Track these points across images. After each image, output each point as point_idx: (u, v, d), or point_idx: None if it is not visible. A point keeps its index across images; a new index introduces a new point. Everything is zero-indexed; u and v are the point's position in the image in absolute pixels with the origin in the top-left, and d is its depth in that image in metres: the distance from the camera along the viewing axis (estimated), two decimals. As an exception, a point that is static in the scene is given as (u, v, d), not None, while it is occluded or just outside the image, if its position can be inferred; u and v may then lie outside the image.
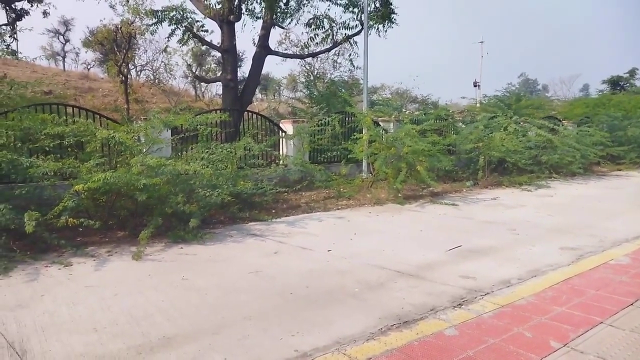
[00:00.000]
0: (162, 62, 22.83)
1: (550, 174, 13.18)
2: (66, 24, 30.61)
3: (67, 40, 31.37)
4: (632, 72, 33.52)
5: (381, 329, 3.55)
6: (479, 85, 35.71)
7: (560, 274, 4.85)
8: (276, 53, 15.82)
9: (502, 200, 9.83)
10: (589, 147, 14.22)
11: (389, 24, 14.81)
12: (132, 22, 17.06)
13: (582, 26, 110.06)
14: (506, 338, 3.33)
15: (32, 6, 15.19)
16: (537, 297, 4.16)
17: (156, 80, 23.14)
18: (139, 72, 23.85)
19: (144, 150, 7.27)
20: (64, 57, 31.49)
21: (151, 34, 15.73)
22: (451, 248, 5.88)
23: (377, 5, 14.53)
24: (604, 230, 6.75)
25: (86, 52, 22.77)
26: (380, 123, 12.41)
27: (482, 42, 39.59)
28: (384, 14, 14.50)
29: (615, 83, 33.30)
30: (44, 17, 15.64)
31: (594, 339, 3.30)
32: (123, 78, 18.48)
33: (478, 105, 20.48)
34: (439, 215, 8.24)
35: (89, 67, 27.83)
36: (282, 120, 12.46)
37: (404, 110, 17.95)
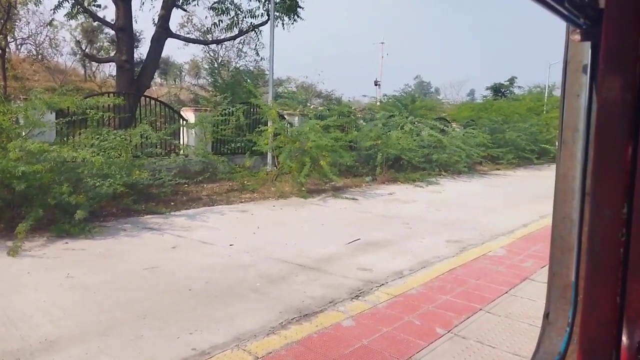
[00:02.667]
0: (46, 36, 20.70)
1: (439, 171, 14.22)
2: None
3: None
4: (511, 81, 37.28)
5: (282, 322, 3.58)
6: (379, 85, 37.38)
7: (446, 264, 5.26)
8: (178, 37, 15.13)
9: (397, 195, 10.41)
10: (473, 148, 15.57)
11: (294, 17, 14.88)
12: (12, -11, 15.19)
13: (470, 32, 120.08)
14: (398, 326, 3.54)
15: None
16: (426, 287, 4.48)
17: (39, 56, 20.93)
18: (19, 46, 21.37)
19: (24, 133, 6.55)
20: None
21: (35, 4, 14.14)
22: (350, 241, 6.10)
23: (284, -4, 14.53)
24: (484, 225, 7.45)
25: (-45, 20, 19.80)
26: (285, 116, 12.45)
27: (382, 42, 41.43)
28: (290, 6, 14.54)
29: (497, 90, 36.80)
30: None
31: (474, 325, 3.64)
32: (0, 52, 16.41)
33: (378, 103, 21.45)
34: (340, 209, 8.50)
35: (-42, 37, 24.25)
36: (184, 108, 11.98)
37: (308, 104, 18.18)
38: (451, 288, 4.45)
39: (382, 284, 4.53)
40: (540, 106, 27.47)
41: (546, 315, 1.12)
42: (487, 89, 37.71)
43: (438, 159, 14.37)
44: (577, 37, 1.00)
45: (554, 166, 1.13)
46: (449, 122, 18.42)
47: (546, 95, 31.82)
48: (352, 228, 6.91)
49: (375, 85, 38.21)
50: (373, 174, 12.66)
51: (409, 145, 13.21)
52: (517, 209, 9.02)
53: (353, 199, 9.46)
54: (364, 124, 14.72)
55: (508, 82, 37.17)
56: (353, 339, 3.31)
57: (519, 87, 36.80)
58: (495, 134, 18.46)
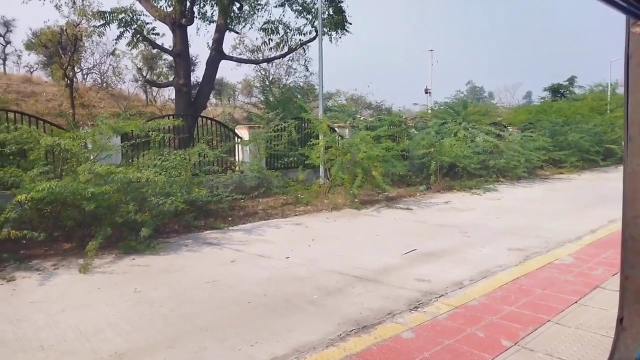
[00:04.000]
0: (110, 65, 22.09)
1: (497, 177, 13.73)
2: (7, 25, 29.02)
3: (7, 42, 29.74)
4: (571, 80, 35.50)
5: (340, 335, 3.57)
6: (429, 92, 36.74)
7: (509, 274, 5.05)
8: (230, 58, 15.68)
9: (453, 203, 10.14)
10: (533, 152, 14.90)
11: (342, 32, 15.01)
12: (79, 24, 16.37)
13: (523, 35, 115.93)
14: (460, 339, 3.43)
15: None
16: (488, 298, 4.31)
17: (104, 84, 22.35)
18: (85, 76, 22.94)
19: (92, 157, 6.99)
20: (4, 60, 29.81)
21: (99, 36, 15.15)
22: (407, 252, 5.99)
23: (331, 12, 14.71)
24: (549, 231, 7.09)
25: (29, 54, 21.62)
26: (336, 129, 12.52)
27: (431, 50, 40.80)
28: (338, 22, 14.68)
29: (555, 91, 35.15)
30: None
31: (542, 336, 3.45)
32: (68, 82, 17.68)
33: (429, 111, 21.10)
34: (394, 219, 8.39)
35: (31, 70, 26.49)
36: (238, 126, 12.34)
37: (358, 116, 18.20)
38: (516, 298, 4.26)
39: (442, 295, 4.42)
40: (603, 105, 25.96)
41: (620, 321, 1.06)
42: (545, 90, 36.12)
43: (495, 165, 13.89)
44: (639, 29, 0.95)
45: (621, 167, 1.07)
46: (504, 127, 17.79)
47: (609, 93, 30.04)
48: (408, 238, 6.79)
49: (426, 93, 37.59)
50: (427, 182, 12.42)
51: (464, 152, 12.86)
52: (583, 214, 8.53)
53: (407, 208, 9.32)
54: (416, 132, 14.52)
55: (567, 82, 35.42)
56: (414, 352, 3.23)
57: (580, 86, 34.99)
58: (556, 137, 17.60)
